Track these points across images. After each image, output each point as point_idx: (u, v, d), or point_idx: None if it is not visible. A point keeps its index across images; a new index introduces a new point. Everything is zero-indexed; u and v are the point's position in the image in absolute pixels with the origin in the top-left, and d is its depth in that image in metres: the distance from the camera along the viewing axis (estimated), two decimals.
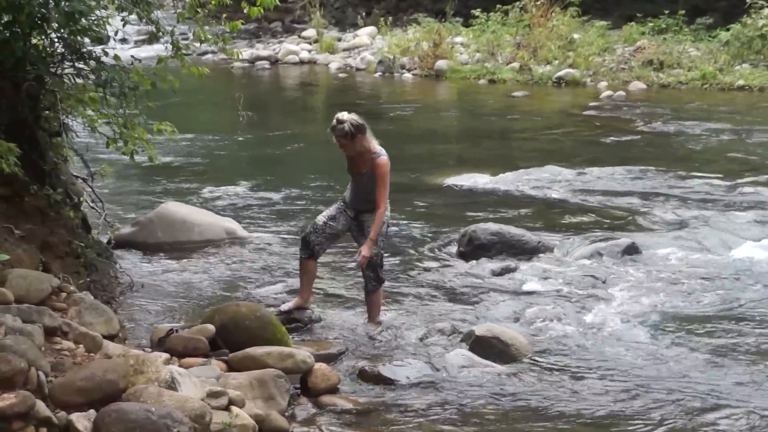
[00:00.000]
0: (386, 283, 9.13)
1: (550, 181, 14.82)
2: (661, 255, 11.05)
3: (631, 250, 11.02)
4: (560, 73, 26.40)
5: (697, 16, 28.71)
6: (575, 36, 28.02)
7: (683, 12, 28.20)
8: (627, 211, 13.09)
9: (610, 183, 14.69)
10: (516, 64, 27.54)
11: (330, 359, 7.85)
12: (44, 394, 5.62)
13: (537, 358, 8.13)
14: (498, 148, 18.49)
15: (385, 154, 8.63)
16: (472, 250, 11.04)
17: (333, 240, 9.13)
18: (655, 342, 8.55)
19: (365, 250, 8.65)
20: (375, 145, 8.66)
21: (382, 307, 9.10)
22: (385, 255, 9.23)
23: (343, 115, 8.52)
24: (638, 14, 28.92)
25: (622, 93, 24.29)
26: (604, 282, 10.15)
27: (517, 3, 28.89)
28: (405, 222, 12.42)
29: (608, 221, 12.57)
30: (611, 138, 18.84)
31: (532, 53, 27.70)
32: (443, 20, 30.74)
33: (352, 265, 10.42)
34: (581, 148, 18.00)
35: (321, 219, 8.97)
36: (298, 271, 9.21)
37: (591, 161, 16.15)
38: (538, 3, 28.30)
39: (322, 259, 9.29)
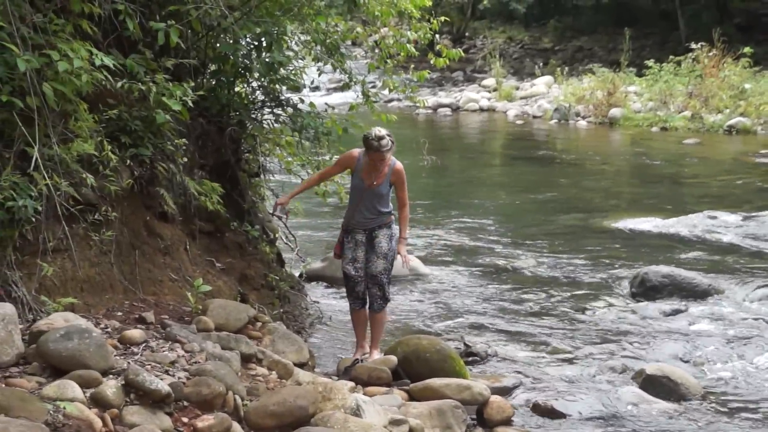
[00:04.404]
0: (562, 321, 8.93)
1: (720, 225, 14.37)
2: None
3: None
4: (731, 122, 25.75)
5: None
6: (747, 86, 27.25)
7: None
8: None
9: None
10: (688, 113, 27.04)
11: (504, 392, 7.76)
12: (240, 416, 5.69)
13: (706, 398, 7.87)
14: (669, 193, 18.05)
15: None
16: (644, 291, 10.84)
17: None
18: None
19: (402, 250, 8.08)
20: None
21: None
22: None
23: (381, 131, 7.93)
24: None
25: None
26: None
27: (690, 54, 28.36)
28: (578, 262, 12.23)
29: None
30: None
31: (703, 102, 27.14)
32: (617, 70, 30.46)
33: (518, 299, 10.34)
34: (752, 195, 17.43)
35: (350, 269, 8.18)
36: (469, 308, 9.07)
37: (761, 207, 15.59)
38: (711, 54, 27.71)
39: (493, 296, 9.12)
